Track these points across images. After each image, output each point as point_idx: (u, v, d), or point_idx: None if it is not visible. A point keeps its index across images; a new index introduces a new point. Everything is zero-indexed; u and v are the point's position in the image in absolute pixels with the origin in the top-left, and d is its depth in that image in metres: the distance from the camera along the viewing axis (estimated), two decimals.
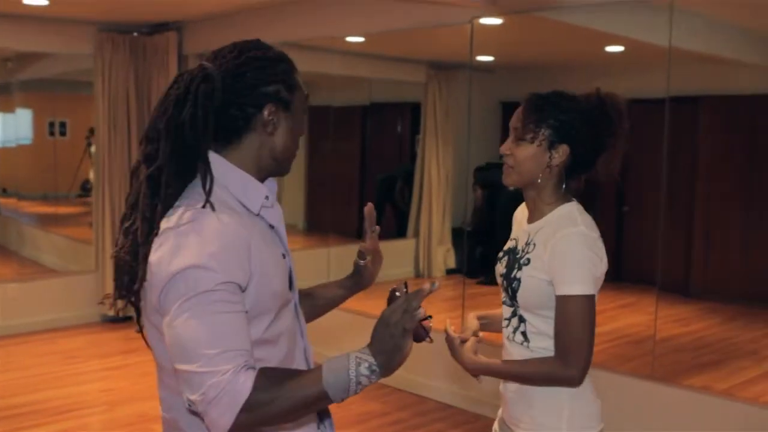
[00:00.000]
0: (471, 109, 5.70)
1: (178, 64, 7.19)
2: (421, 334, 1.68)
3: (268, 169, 1.76)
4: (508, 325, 2.23)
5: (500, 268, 2.24)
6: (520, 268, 2.13)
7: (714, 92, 7.09)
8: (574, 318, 2.01)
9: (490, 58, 7.43)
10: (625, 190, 7.83)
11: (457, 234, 8.23)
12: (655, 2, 4.78)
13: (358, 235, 8.40)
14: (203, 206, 1.59)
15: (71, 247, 8.89)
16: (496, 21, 5.25)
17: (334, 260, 6.71)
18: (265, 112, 1.69)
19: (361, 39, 6.51)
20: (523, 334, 2.17)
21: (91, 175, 8.91)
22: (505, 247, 2.28)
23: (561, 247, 2.04)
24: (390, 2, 5.49)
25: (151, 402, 5.32)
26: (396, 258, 8.44)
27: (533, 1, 4.85)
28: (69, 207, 9.53)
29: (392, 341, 1.55)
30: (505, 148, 2.16)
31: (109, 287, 7.31)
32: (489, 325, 2.37)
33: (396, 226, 8.74)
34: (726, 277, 7.12)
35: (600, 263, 2.07)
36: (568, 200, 2.17)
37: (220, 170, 1.67)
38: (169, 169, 1.65)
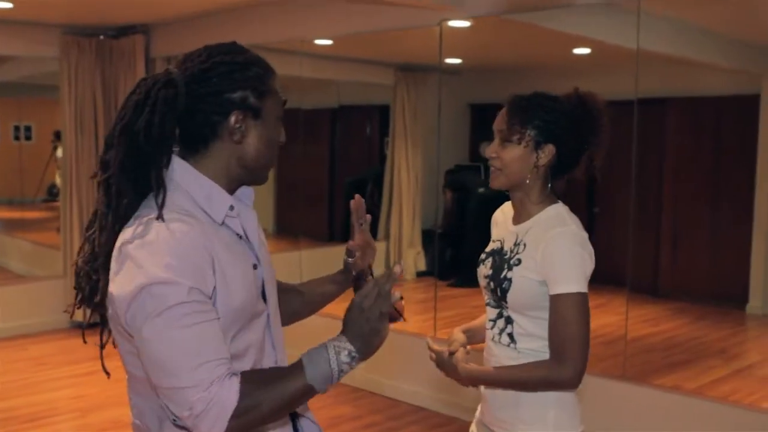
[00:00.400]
0: (443, 111, 5.72)
1: (146, 68, 7.13)
2: (394, 315, 1.71)
3: (239, 178, 1.70)
4: (493, 327, 2.23)
5: (485, 270, 2.24)
6: (510, 269, 2.13)
7: (680, 94, 7.18)
8: (570, 316, 2.02)
9: (458, 61, 7.46)
10: (595, 192, 7.89)
11: (427, 236, 8.25)
12: (623, 5, 4.82)
13: (330, 237, 8.41)
14: (156, 217, 1.53)
15: (38, 253, 8.80)
16: (464, 24, 5.27)
17: (305, 263, 6.69)
18: (232, 120, 1.63)
19: (329, 42, 6.50)
20: (510, 335, 2.17)
21: (58, 180, 8.83)
22: (488, 249, 2.29)
23: (554, 247, 2.06)
24: (358, 5, 5.49)
25: (124, 408, 5.25)
26: None
27: (501, 3, 4.87)
28: (35, 212, 9.44)
29: (368, 325, 1.53)
30: (491, 151, 2.17)
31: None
32: (473, 336, 2.37)
33: None
34: (694, 277, 7.20)
35: (590, 262, 2.09)
36: (555, 201, 2.19)
37: (184, 177, 1.63)
38: (120, 177, 1.60)
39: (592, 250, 2.10)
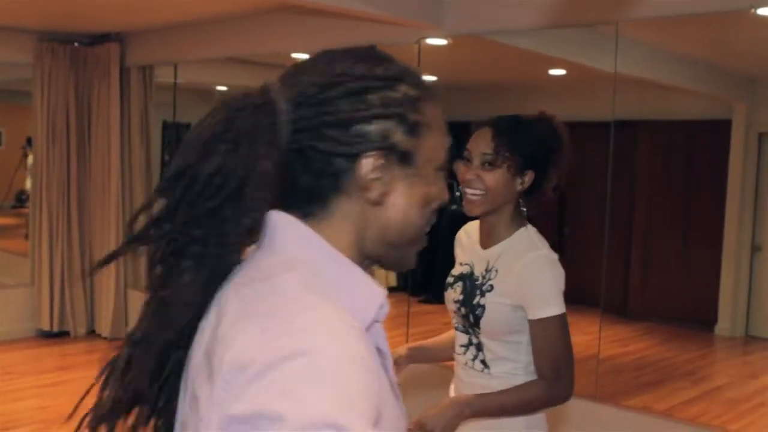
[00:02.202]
0: None
1: (120, 76, 7.09)
2: None
3: (375, 256, 1.11)
4: (465, 353, 2.21)
5: (454, 295, 2.21)
6: (483, 295, 2.12)
7: (653, 117, 7.25)
8: (558, 337, 2.05)
9: (433, 78, 7.49)
10: (565, 212, 7.94)
11: None
12: (600, 29, 4.87)
13: None
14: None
15: (5, 260, 8.69)
16: (441, 42, 5.29)
17: None
18: (366, 165, 1.03)
19: (306, 56, 6.49)
20: (483, 362, 2.17)
21: (28, 186, 8.73)
22: (456, 273, 2.26)
23: (529, 272, 2.06)
24: (336, 20, 5.49)
25: None
26: None
27: (480, 23, 4.89)
28: (3, 218, 9.33)
29: None
30: (471, 174, 2.13)
31: (45, 301, 7.14)
32: (422, 355, 2.35)
33: None
34: (663, 298, 7.26)
35: (563, 282, 2.11)
36: (524, 224, 2.19)
37: (303, 249, 1.03)
38: (181, 244, 1.04)
39: (563, 271, 2.12)
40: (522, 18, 4.67)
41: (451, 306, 2.23)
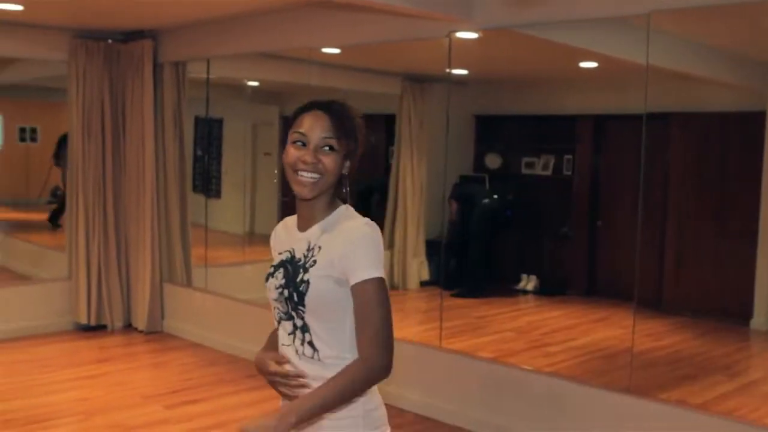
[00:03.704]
0: (446, 121, 5.74)
1: (153, 72, 7.16)
2: None
3: None
4: (293, 341, 2.19)
5: (276, 282, 2.20)
6: (306, 271, 2.12)
7: (685, 109, 7.20)
8: (377, 302, 2.03)
9: (464, 72, 7.48)
10: (598, 205, 7.91)
11: (430, 246, 8.26)
12: (631, 20, 4.84)
13: None
14: None
15: (42, 254, 8.81)
16: (472, 35, 5.29)
17: None
18: None
19: (336, 50, 6.52)
20: (311, 344, 2.15)
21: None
22: (276, 262, 2.26)
23: (350, 239, 2.06)
24: (367, 15, 5.51)
25: (128, 411, 5.29)
26: None
27: (510, 16, 4.88)
28: (40, 213, 9.45)
29: None
30: (312, 157, 2.12)
31: (83, 295, 7.24)
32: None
33: None
34: (697, 292, 7.21)
35: (382, 249, 2.10)
36: (339, 204, 2.21)
37: None
38: None
39: (381, 238, 2.11)
40: (553, 10, 4.67)
41: (272, 294, 2.21)
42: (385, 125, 8.71)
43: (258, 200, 9.12)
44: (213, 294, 7.06)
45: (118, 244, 7.43)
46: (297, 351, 2.17)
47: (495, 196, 8.34)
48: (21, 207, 9.53)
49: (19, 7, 6.06)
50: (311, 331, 2.13)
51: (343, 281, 2.07)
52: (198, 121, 7.88)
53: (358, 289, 2.04)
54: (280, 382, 2.15)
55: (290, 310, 2.16)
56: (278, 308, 2.21)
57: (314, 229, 2.17)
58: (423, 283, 8.26)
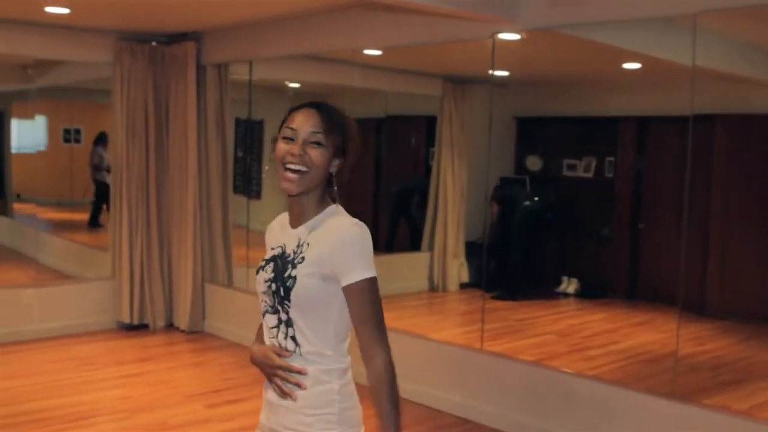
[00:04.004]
0: (487, 123, 5.72)
1: (196, 74, 7.23)
2: None
3: None
4: (276, 335, 2.24)
5: (265, 275, 2.25)
6: (294, 267, 2.17)
7: (730, 111, 7.10)
8: (371, 300, 2.12)
9: (505, 73, 7.45)
10: (640, 207, 7.84)
11: (470, 248, 8.24)
12: (676, 21, 4.79)
13: (372, 246, 8.31)
14: None
15: (86, 254, 8.92)
16: (514, 36, 5.27)
17: None
18: None
19: (378, 52, 6.53)
20: (293, 338, 2.19)
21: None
22: (268, 256, 2.31)
23: (342, 239, 2.12)
24: (410, 16, 5.51)
25: (171, 410, 5.33)
26: (411, 271, 8.44)
27: (554, 17, 4.86)
28: (83, 213, 9.56)
29: None
30: (299, 149, 2.17)
31: (125, 294, 7.35)
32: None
33: (410, 239, 8.74)
34: (742, 296, 7.10)
35: (372, 249, 2.16)
36: (332, 202, 2.27)
37: None
38: None
39: (371, 238, 2.16)
40: (596, 11, 4.63)
41: (261, 288, 2.27)
42: (425, 126, 8.71)
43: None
44: (254, 294, 7.09)
45: (160, 244, 7.50)
46: (279, 345, 2.23)
47: (536, 198, 8.30)
48: (65, 207, 9.65)
49: (65, 10, 6.15)
50: (295, 326, 2.19)
51: (330, 278, 2.13)
52: (239, 122, 7.93)
53: (353, 290, 2.11)
54: (281, 375, 2.20)
55: (276, 304, 2.22)
56: (265, 302, 2.27)
57: (305, 226, 2.23)
58: (462, 285, 8.24)
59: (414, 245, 8.56)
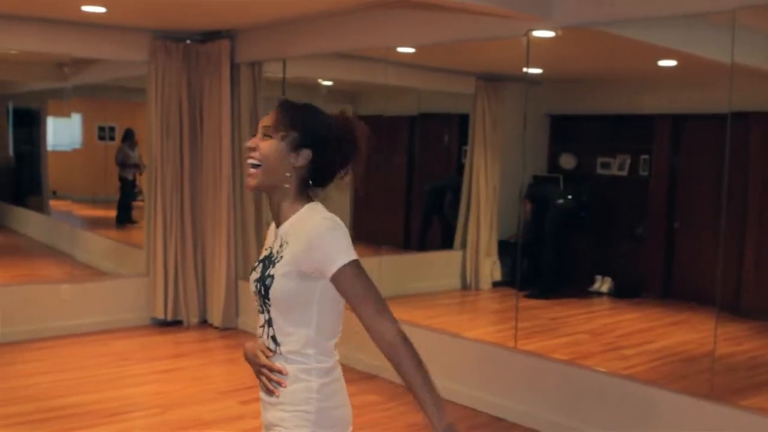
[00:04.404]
0: (521, 121, 5.70)
1: (231, 72, 7.27)
2: None
3: None
4: (262, 333, 2.27)
5: (255, 275, 2.29)
6: (273, 266, 2.19)
7: (766, 108, 7.01)
8: (360, 279, 2.11)
9: (538, 71, 7.42)
10: (675, 206, 7.76)
11: (503, 246, 8.21)
12: (713, 17, 4.73)
13: (405, 245, 8.42)
14: None
15: (121, 251, 9.00)
16: (548, 34, 5.24)
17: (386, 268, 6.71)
18: None
19: (411, 50, 6.52)
20: (273, 338, 2.21)
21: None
22: (261, 257, 2.34)
23: (312, 234, 2.13)
24: (444, 14, 5.49)
25: (203, 406, 5.37)
26: (443, 269, 8.43)
27: (589, 14, 4.82)
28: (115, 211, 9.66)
29: None
30: (252, 143, 2.23)
31: (160, 291, 7.43)
32: None
33: (443, 237, 8.73)
34: None
35: (349, 237, 2.15)
36: (310, 200, 2.26)
37: None
38: None
39: (346, 229, 2.16)
40: (632, 8, 4.60)
41: (251, 288, 2.30)
42: (458, 124, 8.69)
43: (330, 199, 9.18)
44: None
45: (194, 242, 7.55)
46: (267, 345, 2.25)
47: (569, 197, 8.25)
48: (100, 204, 9.74)
49: (102, 9, 6.21)
50: (275, 325, 2.21)
51: (308, 276, 2.13)
52: None
53: (339, 277, 2.11)
54: (265, 374, 2.22)
55: (261, 304, 2.25)
56: (256, 301, 2.30)
57: (284, 226, 2.26)
58: (495, 284, 8.21)
59: (446, 243, 8.54)
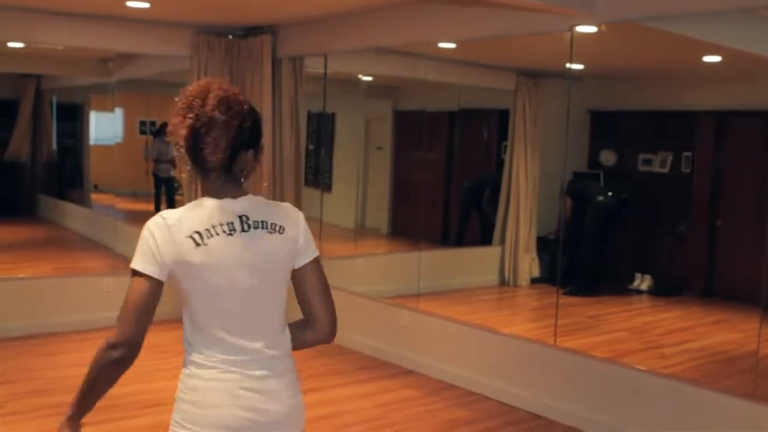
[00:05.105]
0: (561, 117, 5.66)
1: (272, 67, 7.29)
2: None
3: None
4: None
5: None
6: None
7: None
8: (129, 286, 2.21)
9: (580, 66, 7.36)
10: (719, 204, 7.67)
11: (541, 243, 8.18)
12: (761, 12, 4.67)
13: (443, 241, 8.40)
14: None
15: None
16: (591, 29, 5.20)
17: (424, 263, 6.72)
18: None
19: (452, 45, 6.51)
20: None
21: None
22: None
23: None
24: (485, 9, 5.47)
25: None
26: (481, 265, 8.41)
27: (633, 9, 4.78)
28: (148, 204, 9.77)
29: None
30: None
31: None
32: None
33: (481, 233, 8.71)
34: None
35: (153, 241, 2.14)
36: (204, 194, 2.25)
37: None
38: None
39: (162, 231, 2.13)
40: (676, 3, 4.54)
41: None
42: (498, 120, 8.66)
43: (369, 194, 9.19)
44: None
45: None
46: None
47: (610, 194, 8.19)
48: (141, 197, 9.86)
49: (146, 5, 6.27)
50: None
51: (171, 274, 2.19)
52: (310, 115, 7.99)
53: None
54: None
55: None
56: None
57: None
58: (533, 280, 8.18)
59: (485, 239, 8.52)
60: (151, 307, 2.17)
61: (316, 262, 2.26)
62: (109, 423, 4.92)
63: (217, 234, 2.13)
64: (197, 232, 2.12)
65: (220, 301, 2.15)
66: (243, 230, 2.16)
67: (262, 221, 2.20)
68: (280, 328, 2.24)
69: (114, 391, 5.30)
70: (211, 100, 2.10)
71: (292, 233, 2.24)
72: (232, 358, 2.16)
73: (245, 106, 2.16)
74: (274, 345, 2.21)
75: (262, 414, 2.17)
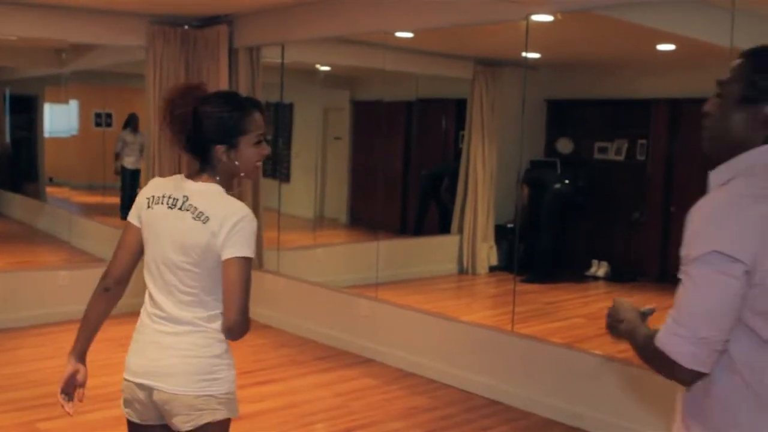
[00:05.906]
0: (518, 106, 5.70)
1: (229, 57, 7.25)
2: None
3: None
4: None
5: None
6: None
7: None
8: None
9: (536, 56, 7.41)
10: (673, 191, 7.78)
11: (499, 231, 8.24)
12: (714, 0, 4.73)
13: (402, 230, 8.41)
14: None
15: (118, 237, 9.00)
16: (547, 18, 5.24)
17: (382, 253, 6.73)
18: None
19: (410, 35, 6.52)
20: None
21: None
22: None
23: None
24: None
25: None
26: (440, 254, 8.45)
27: None
28: (114, 197, 9.65)
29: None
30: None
31: None
32: None
33: (440, 222, 8.75)
34: None
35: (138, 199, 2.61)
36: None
37: None
38: None
39: (143, 190, 2.59)
40: None
41: None
42: (455, 109, 8.69)
43: (328, 184, 9.19)
44: (284, 277, 7.14)
45: None
46: None
47: (566, 181, 8.26)
48: (97, 190, 9.75)
49: None
50: None
51: None
52: (268, 106, 7.96)
53: None
54: None
55: None
56: None
57: None
58: (492, 268, 8.24)
59: (443, 228, 8.56)
60: (130, 247, 2.64)
61: (238, 262, 2.40)
62: (70, 417, 4.86)
63: (161, 204, 2.50)
64: (153, 196, 2.52)
65: (148, 258, 2.59)
66: (179, 208, 2.46)
67: (194, 206, 2.44)
68: (191, 300, 2.53)
69: None
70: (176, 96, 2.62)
71: (214, 227, 2.40)
72: (149, 309, 2.68)
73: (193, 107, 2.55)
74: (179, 310, 2.55)
75: (154, 362, 2.60)
